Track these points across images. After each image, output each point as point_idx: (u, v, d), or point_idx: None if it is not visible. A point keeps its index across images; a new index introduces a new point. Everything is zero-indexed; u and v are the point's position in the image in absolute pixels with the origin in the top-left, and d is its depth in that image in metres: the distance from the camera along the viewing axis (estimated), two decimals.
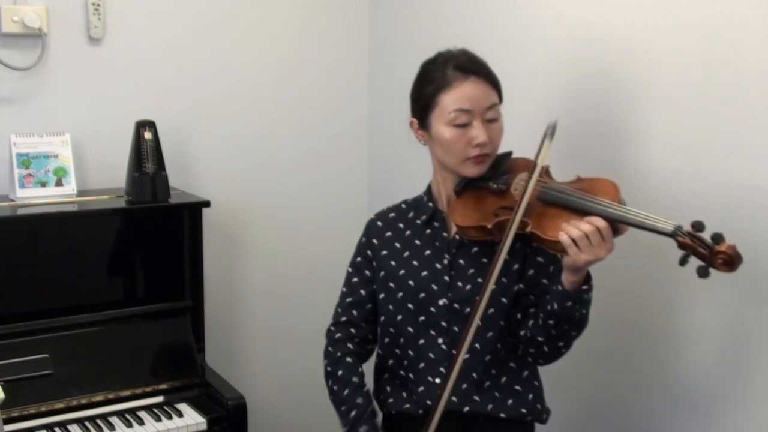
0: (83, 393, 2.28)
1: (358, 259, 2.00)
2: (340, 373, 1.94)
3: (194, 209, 2.54)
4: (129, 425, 2.25)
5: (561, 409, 2.13)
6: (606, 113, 2.13)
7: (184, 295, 2.53)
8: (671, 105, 1.96)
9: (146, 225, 2.51)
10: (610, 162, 2.07)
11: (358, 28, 3.03)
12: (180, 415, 2.32)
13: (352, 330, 1.98)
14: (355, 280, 1.99)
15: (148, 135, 2.47)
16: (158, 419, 2.29)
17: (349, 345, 1.97)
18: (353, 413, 1.89)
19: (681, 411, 2.01)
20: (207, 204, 2.55)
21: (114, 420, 2.27)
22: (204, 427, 2.29)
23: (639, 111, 2.04)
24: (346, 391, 1.91)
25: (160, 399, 2.38)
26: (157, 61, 2.69)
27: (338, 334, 1.98)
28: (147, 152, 2.46)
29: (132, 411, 2.32)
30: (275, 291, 2.99)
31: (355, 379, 1.93)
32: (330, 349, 1.99)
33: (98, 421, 2.26)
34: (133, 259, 2.50)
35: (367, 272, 1.98)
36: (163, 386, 2.40)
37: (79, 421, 2.25)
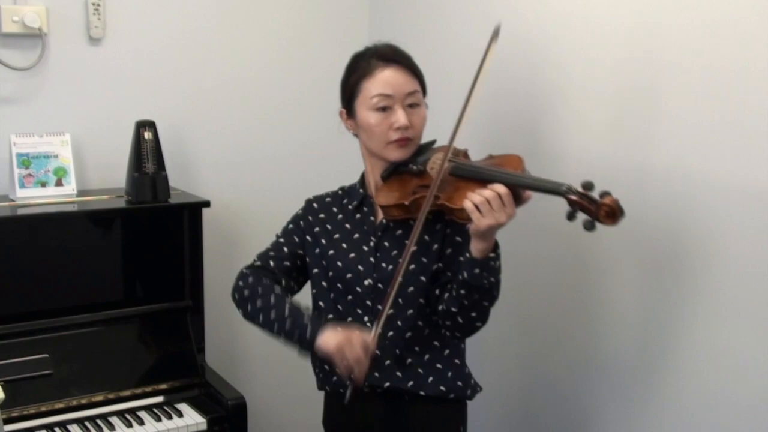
0: (83, 393, 2.29)
1: (290, 226, 2.08)
2: (260, 289, 1.93)
3: (194, 209, 2.54)
4: (129, 425, 2.26)
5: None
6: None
7: (184, 295, 2.54)
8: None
9: (146, 225, 2.51)
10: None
11: (358, 28, 3.03)
12: (180, 415, 2.32)
13: (266, 272, 1.99)
14: (282, 240, 2.05)
15: (148, 135, 2.47)
16: (158, 419, 2.29)
17: (264, 276, 1.98)
18: (287, 310, 1.88)
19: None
20: (207, 204, 2.55)
21: (114, 420, 2.27)
22: (204, 427, 2.30)
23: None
24: (272, 299, 1.91)
25: (160, 399, 2.38)
26: (157, 61, 2.69)
27: (250, 270, 2.00)
28: (147, 152, 2.46)
29: (132, 411, 2.32)
30: None
31: (278, 290, 1.93)
32: (240, 282, 1.99)
33: (98, 421, 2.26)
34: (133, 259, 2.50)
35: (295, 237, 2.04)
36: (163, 386, 2.40)
37: (79, 421, 2.25)
